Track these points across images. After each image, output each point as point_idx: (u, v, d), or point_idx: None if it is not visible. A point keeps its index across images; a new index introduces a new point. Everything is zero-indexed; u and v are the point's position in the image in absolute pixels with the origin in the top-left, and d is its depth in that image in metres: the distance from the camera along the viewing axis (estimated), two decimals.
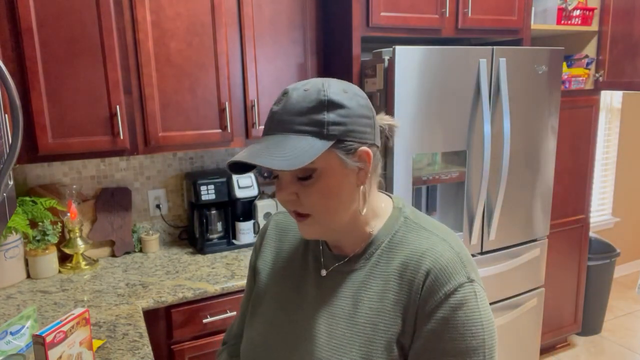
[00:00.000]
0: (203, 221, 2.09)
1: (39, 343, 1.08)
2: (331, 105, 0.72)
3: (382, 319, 0.75)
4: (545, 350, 2.91)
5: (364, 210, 0.80)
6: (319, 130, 0.71)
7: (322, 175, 0.73)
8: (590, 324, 3.09)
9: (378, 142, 0.79)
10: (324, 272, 0.84)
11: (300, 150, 0.69)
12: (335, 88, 0.73)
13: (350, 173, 0.75)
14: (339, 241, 0.83)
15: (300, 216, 0.77)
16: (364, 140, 0.75)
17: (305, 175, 0.73)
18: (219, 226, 2.16)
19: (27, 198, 1.87)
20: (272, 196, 2.37)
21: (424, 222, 0.83)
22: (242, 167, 0.78)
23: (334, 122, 0.72)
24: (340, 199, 0.76)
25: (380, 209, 0.84)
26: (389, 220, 0.83)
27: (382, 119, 0.83)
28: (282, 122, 0.72)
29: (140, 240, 2.15)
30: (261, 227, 2.22)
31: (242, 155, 0.71)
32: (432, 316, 0.72)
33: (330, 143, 0.71)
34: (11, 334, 1.35)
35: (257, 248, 0.98)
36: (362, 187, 0.78)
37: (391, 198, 0.88)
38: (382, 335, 0.75)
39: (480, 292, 0.75)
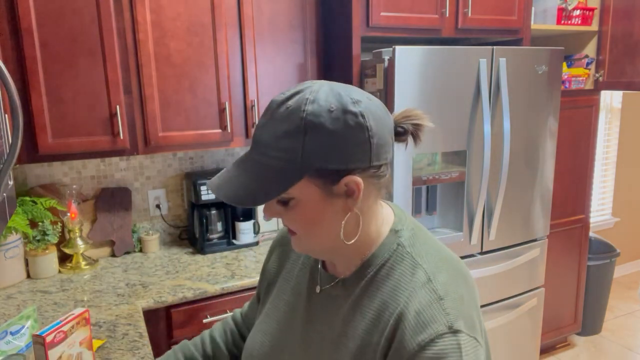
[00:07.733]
0: (203, 221, 2.09)
1: (39, 343, 1.08)
2: (310, 128, 0.63)
3: (364, 353, 0.70)
4: (545, 350, 2.91)
5: (355, 239, 0.71)
6: (293, 158, 0.63)
7: (300, 204, 0.67)
8: (590, 324, 3.09)
9: (380, 161, 0.68)
10: (318, 289, 0.80)
11: (266, 182, 0.64)
12: (319, 106, 0.63)
13: (336, 201, 0.67)
14: (332, 261, 0.79)
15: (289, 231, 0.74)
16: (352, 166, 0.65)
17: (283, 201, 0.68)
18: (219, 226, 2.15)
19: (27, 198, 1.87)
20: None
21: (419, 250, 0.73)
22: None
23: (310, 150, 0.63)
24: (323, 226, 0.69)
25: (376, 233, 0.75)
26: (381, 247, 0.74)
27: (408, 118, 0.73)
28: (258, 143, 0.67)
29: (140, 240, 2.15)
30: (261, 227, 2.23)
31: (213, 181, 0.70)
32: None
33: (304, 174, 0.64)
34: (11, 334, 1.35)
35: (268, 257, 0.98)
36: (350, 214, 0.69)
37: (393, 213, 0.79)
38: None
39: (467, 346, 0.63)
